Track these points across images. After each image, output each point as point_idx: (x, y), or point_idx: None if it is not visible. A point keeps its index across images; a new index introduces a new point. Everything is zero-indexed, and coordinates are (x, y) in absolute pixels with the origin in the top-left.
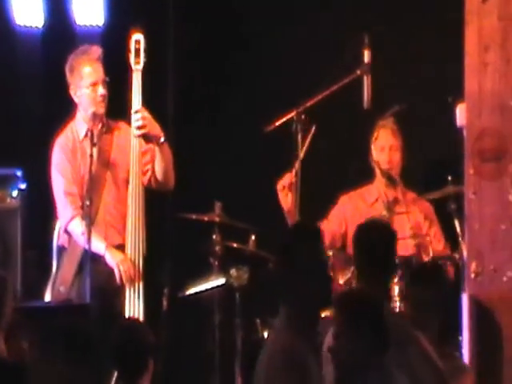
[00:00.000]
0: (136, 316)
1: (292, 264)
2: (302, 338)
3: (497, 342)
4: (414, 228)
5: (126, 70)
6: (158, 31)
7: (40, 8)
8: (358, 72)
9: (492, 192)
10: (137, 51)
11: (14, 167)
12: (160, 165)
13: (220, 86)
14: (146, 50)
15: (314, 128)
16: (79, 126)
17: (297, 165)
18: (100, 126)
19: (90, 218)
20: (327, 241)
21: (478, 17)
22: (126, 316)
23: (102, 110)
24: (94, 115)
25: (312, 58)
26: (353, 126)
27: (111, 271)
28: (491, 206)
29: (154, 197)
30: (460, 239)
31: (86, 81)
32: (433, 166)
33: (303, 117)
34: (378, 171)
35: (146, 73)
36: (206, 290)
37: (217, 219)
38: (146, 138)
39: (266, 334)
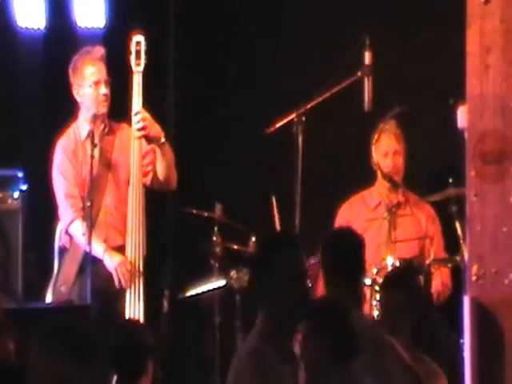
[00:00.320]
0: (136, 317)
1: (268, 274)
2: (274, 346)
3: (498, 345)
4: (417, 230)
5: (127, 72)
6: (158, 33)
7: (41, 10)
8: (359, 73)
9: (494, 194)
10: (137, 53)
11: (15, 168)
12: (161, 165)
13: (220, 88)
14: (146, 52)
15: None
16: (81, 126)
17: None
18: (102, 127)
19: (90, 220)
20: None
21: (479, 19)
22: (127, 317)
23: (103, 109)
24: (95, 116)
25: (313, 60)
26: (353, 128)
27: (112, 273)
28: (493, 208)
29: (154, 198)
30: (461, 241)
31: (88, 80)
32: (434, 168)
33: (304, 118)
34: (379, 174)
35: (146, 74)
36: (207, 291)
37: (217, 220)
38: (147, 139)
39: None
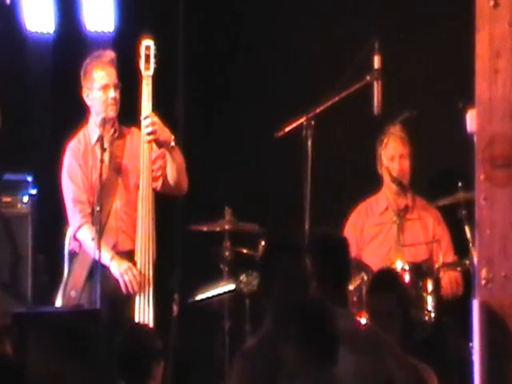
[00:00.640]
0: (146, 322)
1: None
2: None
3: (507, 348)
4: (425, 234)
5: (137, 76)
6: (168, 37)
7: (51, 14)
8: (368, 78)
9: (503, 198)
10: (147, 57)
11: (24, 173)
12: (171, 169)
13: (230, 92)
14: (156, 56)
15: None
16: (92, 130)
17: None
18: (112, 131)
19: (100, 224)
20: None
21: (489, 22)
22: (136, 322)
23: (112, 113)
24: (104, 120)
25: (322, 64)
26: (363, 132)
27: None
28: (502, 212)
29: (164, 202)
30: (471, 245)
31: (97, 83)
32: (443, 172)
33: (313, 122)
34: (386, 178)
35: (156, 79)
36: (216, 295)
37: (227, 226)
38: (157, 143)
39: None
